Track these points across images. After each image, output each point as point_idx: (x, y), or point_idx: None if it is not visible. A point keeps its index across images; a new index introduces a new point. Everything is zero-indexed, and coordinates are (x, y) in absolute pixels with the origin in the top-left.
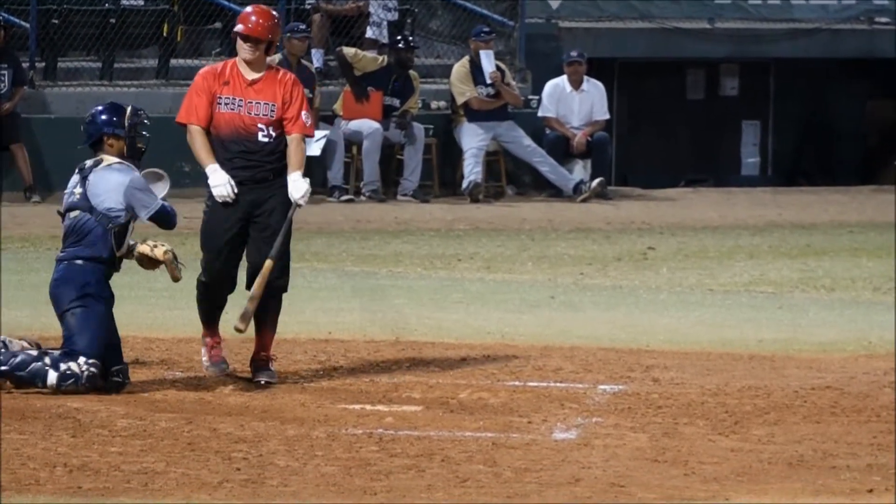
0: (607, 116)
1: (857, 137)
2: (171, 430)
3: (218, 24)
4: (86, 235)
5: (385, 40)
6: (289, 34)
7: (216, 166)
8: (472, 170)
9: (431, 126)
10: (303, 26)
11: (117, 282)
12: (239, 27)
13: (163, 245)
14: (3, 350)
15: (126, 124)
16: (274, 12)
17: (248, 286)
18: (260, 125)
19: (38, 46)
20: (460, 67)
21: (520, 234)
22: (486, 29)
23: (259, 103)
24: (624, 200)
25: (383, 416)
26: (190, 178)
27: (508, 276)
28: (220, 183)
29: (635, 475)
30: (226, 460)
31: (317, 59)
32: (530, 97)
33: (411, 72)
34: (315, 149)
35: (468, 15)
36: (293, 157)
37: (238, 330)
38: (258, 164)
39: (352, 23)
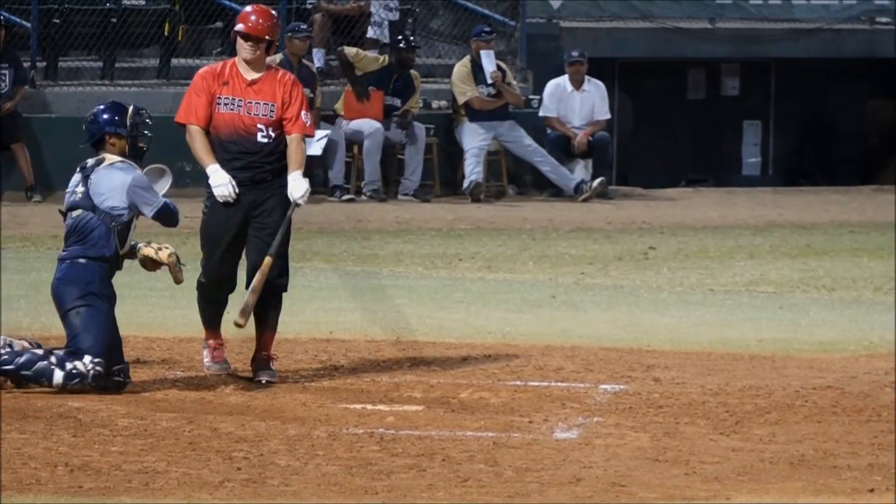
0: (608, 116)
1: (858, 137)
2: (172, 429)
3: (219, 24)
4: (88, 234)
5: (386, 40)
6: (290, 34)
7: (217, 166)
8: (473, 169)
9: (432, 126)
10: (304, 26)
11: (118, 281)
12: (239, 26)
13: (167, 248)
14: (7, 350)
15: (128, 124)
16: (274, 12)
17: (248, 286)
18: (259, 125)
19: (40, 46)
20: (461, 67)
21: (521, 233)
22: (487, 29)
23: (259, 103)
24: (625, 200)
25: (384, 415)
26: (191, 178)
27: (509, 275)
28: (222, 183)
29: (636, 475)
30: (227, 460)
31: (318, 58)
32: (531, 97)
33: (412, 71)
34: (316, 148)
35: (469, 15)
36: (293, 156)
37: (237, 325)
38: (257, 164)
39: (353, 22)
